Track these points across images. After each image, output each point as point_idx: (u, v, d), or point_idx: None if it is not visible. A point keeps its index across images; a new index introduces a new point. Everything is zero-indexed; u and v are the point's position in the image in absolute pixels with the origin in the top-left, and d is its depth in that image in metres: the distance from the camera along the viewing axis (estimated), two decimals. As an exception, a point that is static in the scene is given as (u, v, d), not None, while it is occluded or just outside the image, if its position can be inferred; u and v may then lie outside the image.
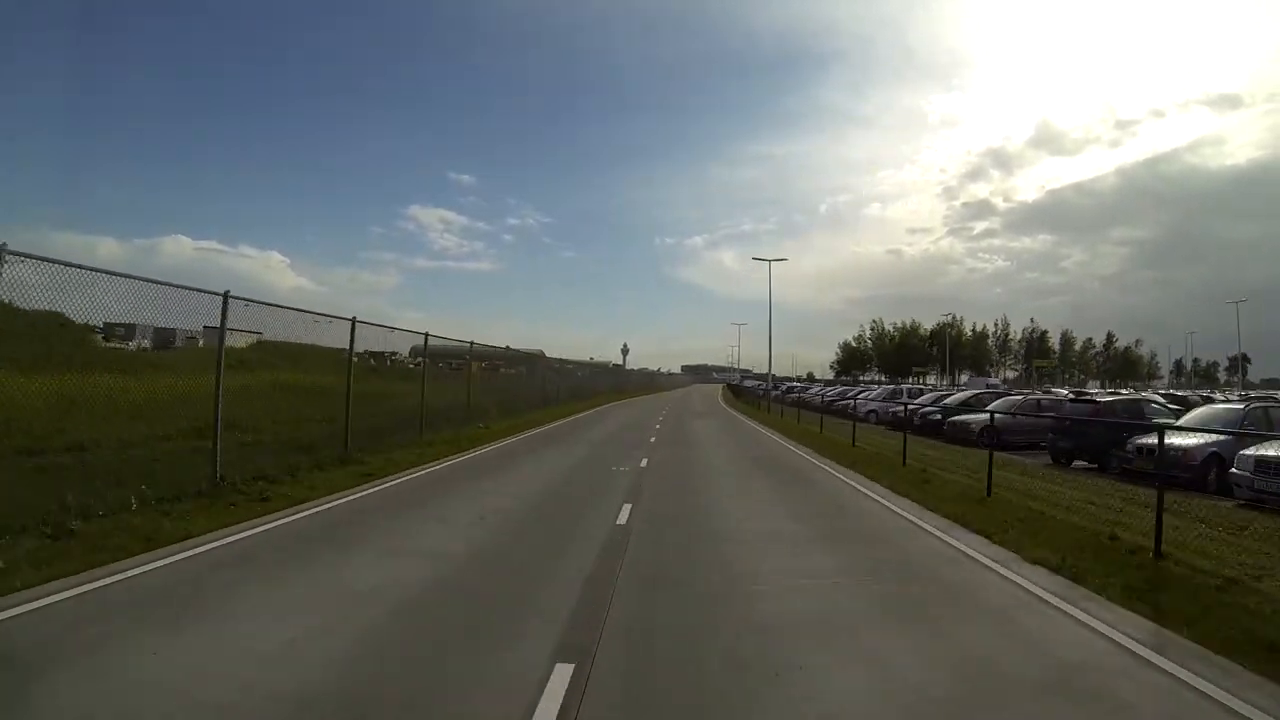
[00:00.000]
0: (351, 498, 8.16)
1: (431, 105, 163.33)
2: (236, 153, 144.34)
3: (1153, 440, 10.51)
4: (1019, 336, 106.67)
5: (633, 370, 61.53)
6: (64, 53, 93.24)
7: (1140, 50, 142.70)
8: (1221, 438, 10.22)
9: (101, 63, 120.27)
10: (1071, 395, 23.93)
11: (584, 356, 50.99)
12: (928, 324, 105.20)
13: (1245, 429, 11.03)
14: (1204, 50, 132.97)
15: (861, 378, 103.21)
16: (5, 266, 5.47)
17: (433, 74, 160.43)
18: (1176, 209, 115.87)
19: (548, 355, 34.66)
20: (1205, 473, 10.46)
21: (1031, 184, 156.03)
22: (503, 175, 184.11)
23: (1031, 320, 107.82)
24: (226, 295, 8.04)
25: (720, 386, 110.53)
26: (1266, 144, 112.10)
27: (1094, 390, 46.03)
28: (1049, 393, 31.00)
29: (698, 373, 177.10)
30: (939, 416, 21.25)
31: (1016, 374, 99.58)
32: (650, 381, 62.93)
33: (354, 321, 11.37)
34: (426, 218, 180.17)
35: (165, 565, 5.12)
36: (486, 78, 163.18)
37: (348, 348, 11.29)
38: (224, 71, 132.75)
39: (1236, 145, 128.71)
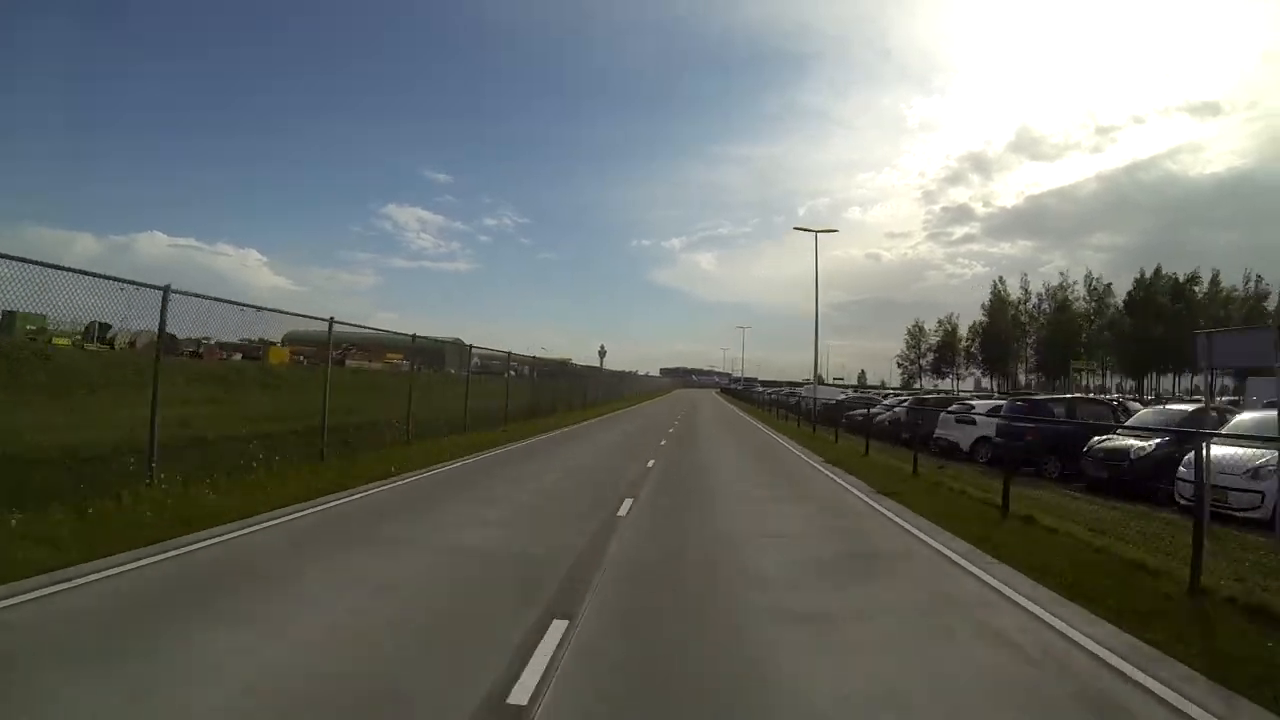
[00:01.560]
0: None
1: (409, 102, 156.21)
2: (217, 148, 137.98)
3: None
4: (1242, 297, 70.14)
5: (607, 371, 52.70)
6: (58, 51, 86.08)
7: (1121, 56, 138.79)
8: None
9: (92, 62, 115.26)
10: None
11: (574, 360, 41.70)
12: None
13: None
14: (1185, 57, 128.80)
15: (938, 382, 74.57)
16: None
17: (411, 71, 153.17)
18: (1157, 215, 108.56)
19: (482, 346, 23.53)
20: None
21: (1011, 189, 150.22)
22: (479, 174, 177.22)
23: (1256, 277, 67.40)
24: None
25: (715, 392, 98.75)
26: (1247, 152, 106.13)
27: None
28: None
29: (677, 375, 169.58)
30: None
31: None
32: (621, 384, 54.20)
33: None
34: (403, 217, 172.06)
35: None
36: (465, 76, 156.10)
37: None
38: (211, 71, 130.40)
39: (1216, 153, 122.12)
